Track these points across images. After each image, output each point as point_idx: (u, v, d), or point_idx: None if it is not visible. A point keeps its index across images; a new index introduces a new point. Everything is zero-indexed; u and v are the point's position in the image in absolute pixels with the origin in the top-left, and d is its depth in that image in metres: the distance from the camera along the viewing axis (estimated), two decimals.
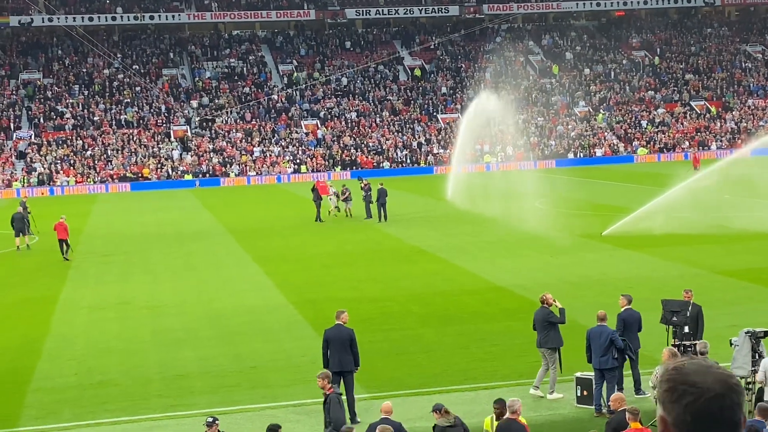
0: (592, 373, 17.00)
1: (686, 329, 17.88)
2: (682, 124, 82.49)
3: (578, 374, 17.26)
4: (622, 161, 76.00)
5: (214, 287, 29.82)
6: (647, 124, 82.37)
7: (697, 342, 16.79)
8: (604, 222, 38.30)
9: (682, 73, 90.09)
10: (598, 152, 78.49)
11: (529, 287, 26.99)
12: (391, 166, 75.09)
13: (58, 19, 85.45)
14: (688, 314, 17.95)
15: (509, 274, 29.63)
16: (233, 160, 74.70)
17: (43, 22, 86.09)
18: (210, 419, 13.76)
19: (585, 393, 17.11)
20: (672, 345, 17.10)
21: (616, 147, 79.26)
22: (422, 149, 77.64)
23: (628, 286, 23.32)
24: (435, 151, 76.81)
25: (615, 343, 16.74)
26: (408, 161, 76.33)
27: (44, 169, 71.84)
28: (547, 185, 58.56)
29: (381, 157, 76.25)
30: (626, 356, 17.13)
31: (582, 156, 77.86)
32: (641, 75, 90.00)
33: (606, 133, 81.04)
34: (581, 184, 56.85)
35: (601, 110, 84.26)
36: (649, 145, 79.22)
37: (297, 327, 24.01)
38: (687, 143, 79.27)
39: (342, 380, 16.97)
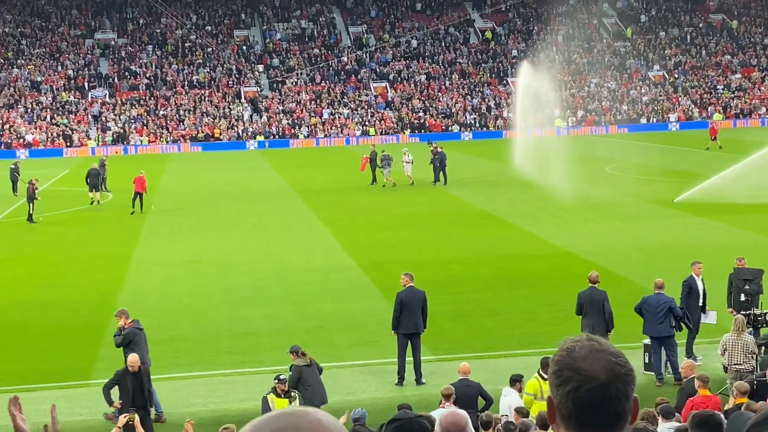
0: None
1: (742, 297, 17.61)
2: (759, 89, 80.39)
3: (646, 341, 17.09)
4: (697, 127, 74.41)
5: (282, 247, 30.16)
6: (723, 90, 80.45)
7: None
8: (677, 188, 37.68)
9: (761, 38, 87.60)
10: (672, 118, 76.97)
11: (598, 253, 26.76)
12: (460, 129, 74.70)
13: None
14: (761, 282, 17.67)
15: (577, 239, 29.37)
16: (302, 122, 75.06)
17: None
18: (283, 376, 14.11)
19: (652, 360, 16.95)
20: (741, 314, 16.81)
21: (690, 112, 77.62)
22: (491, 113, 77.03)
23: (700, 254, 22.92)
24: (504, 115, 76.14)
25: (673, 312, 16.50)
26: (477, 125, 75.81)
27: (118, 128, 73.08)
28: (618, 150, 57.76)
29: (450, 120, 75.88)
30: (683, 324, 16.82)
31: (655, 121, 76.44)
32: (718, 39, 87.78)
33: (680, 99, 79.39)
34: (653, 150, 55.87)
35: (676, 75, 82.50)
36: (725, 111, 77.43)
37: (363, 288, 24.19)
38: (764, 109, 77.27)
39: (409, 342, 17.03)
